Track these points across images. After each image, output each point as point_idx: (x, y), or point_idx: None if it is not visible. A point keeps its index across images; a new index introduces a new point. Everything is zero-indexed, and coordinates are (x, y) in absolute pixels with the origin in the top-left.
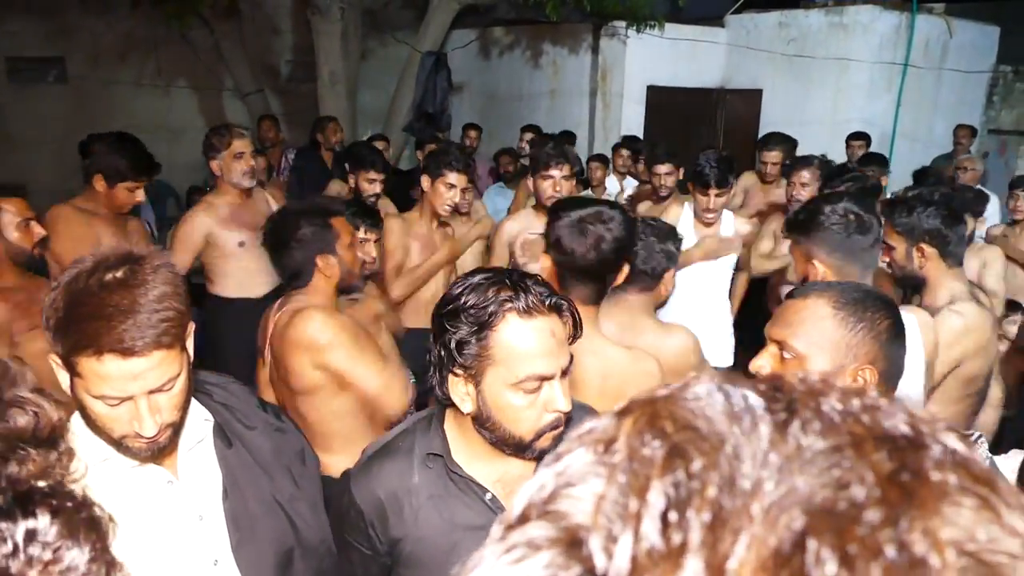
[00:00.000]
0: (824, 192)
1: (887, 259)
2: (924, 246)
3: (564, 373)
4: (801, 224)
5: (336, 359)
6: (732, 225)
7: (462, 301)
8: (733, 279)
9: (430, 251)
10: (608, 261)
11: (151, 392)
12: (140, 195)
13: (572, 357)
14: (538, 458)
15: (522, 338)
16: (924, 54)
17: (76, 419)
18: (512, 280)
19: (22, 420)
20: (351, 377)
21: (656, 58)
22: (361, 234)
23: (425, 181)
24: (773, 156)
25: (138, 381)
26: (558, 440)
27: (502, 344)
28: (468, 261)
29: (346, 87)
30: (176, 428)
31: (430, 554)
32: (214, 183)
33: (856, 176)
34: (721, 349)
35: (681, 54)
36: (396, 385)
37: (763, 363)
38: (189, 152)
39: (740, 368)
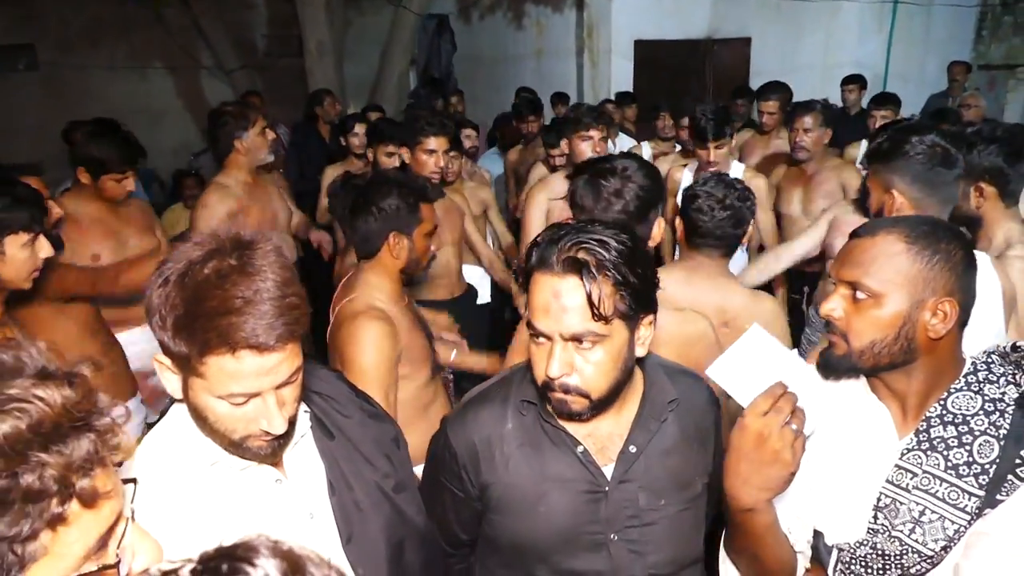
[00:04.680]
0: (912, 123)
1: None
2: (983, 185)
3: (573, 339)
4: (884, 152)
5: (349, 367)
6: (740, 176)
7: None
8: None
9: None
10: (631, 212)
11: (279, 387)
12: (130, 184)
13: (588, 330)
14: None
15: (536, 289)
16: None
17: (179, 423)
18: (557, 234)
19: (7, 426)
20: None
21: (642, 11)
22: None
23: (404, 153)
24: (770, 106)
25: (270, 376)
26: (562, 404)
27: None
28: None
29: (334, 58)
30: (292, 421)
31: (518, 501)
32: (198, 167)
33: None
34: None
35: (666, 5)
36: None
37: (835, 306)
38: (170, 136)
39: None
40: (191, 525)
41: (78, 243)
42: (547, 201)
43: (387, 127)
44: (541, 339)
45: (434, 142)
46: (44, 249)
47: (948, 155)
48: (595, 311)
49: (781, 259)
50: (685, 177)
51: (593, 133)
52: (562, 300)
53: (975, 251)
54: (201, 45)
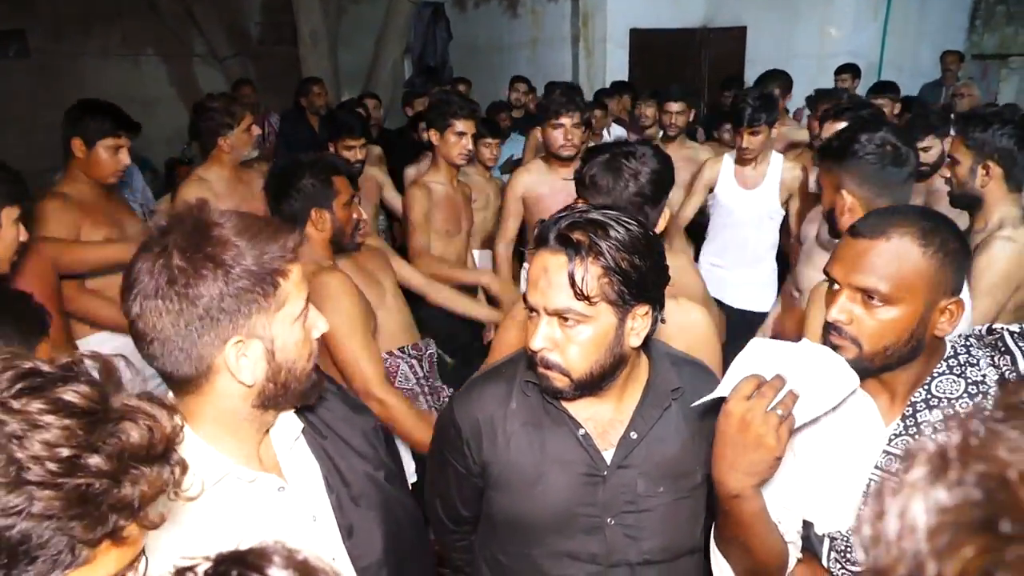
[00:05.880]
0: (862, 119)
1: (947, 174)
2: (991, 164)
3: (556, 315)
4: (834, 151)
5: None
6: (779, 169)
7: None
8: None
9: (453, 211)
10: (646, 195)
11: None
12: (125, 156)
13: (570, 308)
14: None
15: (532, 263)
16: None
17: (192, 441)
18: (564, 214)
19: (136, 435)
20: (334, 340)
21: None
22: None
23: (433, 135)
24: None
25: (304, 281)
26: (545, 379)
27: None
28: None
29: (328, 46)
30: None
31: (517, 480)
32: (192, 155)
33: (852, 107)
34: (764, 297)
35: None
36: (372, 358)
37: (846, 312)
38: (164, 124)
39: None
40: (199, 546)
41: (83, 222)
42: (523, 187)
43: (345, 120)
44: (532, 313)
45: (462, 125)
46: (23, 233)
47: (898, 153)
48: (577, 290)
49: None
50: (725, 165)
51: (564, 120)
52: (549, 275)
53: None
54: (194, 33)
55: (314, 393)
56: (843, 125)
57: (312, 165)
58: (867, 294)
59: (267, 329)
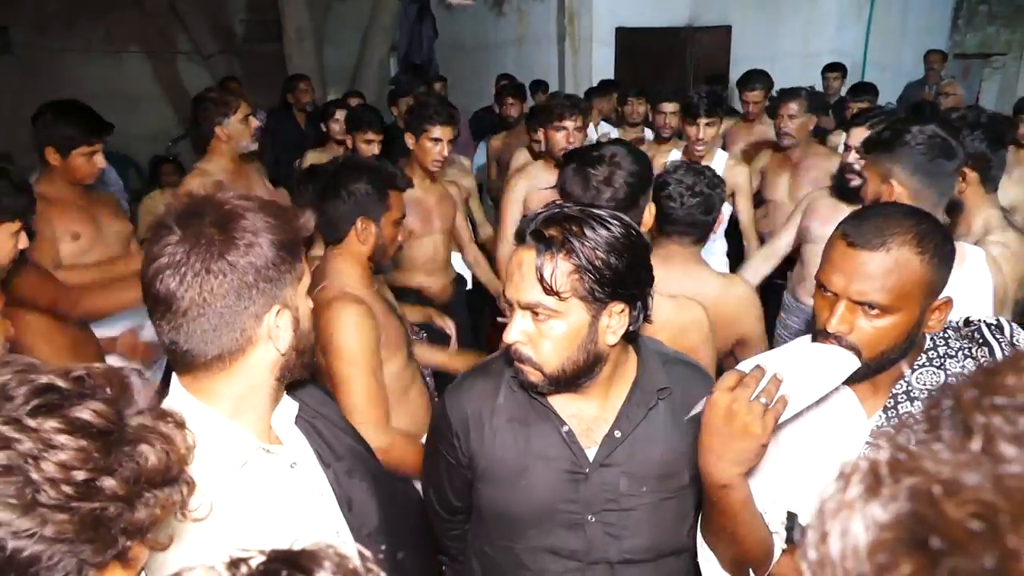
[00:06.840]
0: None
1: None
2: (967, 170)
3: (528, 309)
4: (884, 142)
5: (335, 354)
6: (723, 164)
7: None
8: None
9: (424, 213)
10: (619, 199)
11: None
12: (100, 160)
13: (540, 302)
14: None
15: (512, 258)
16: None
17: (215, 420)
18: (545, 210)
19: (153, 458)
20: (338, 381)
21: None
22: None
23: (409, 139)
24: (755, 95)
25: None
26: (520, 373)
27: None
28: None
29: (313, 43)
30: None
31: (502, 473)
32: (177, 152)
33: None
34: None
35: None
36: (376, 415)
37: (846, 324)
38: (147, 121)
39: None
40: (225, 525)
41: (57, 220)
42: (525, 190)
43: (365, 114)
44: (509, 307)
45: (439, 131)
46: (23, 240)
47: (948, 146)
48: (545, 285)
49: (769, 260)
50: (672, 156)
51: (568, 123)
52: (523, 269)
53: (963, 244)
54: (179, 30)
55: (311, 366)
56: (794, 104)
57: (371, 170)
58: (867, 304)
59: (293, 299)
